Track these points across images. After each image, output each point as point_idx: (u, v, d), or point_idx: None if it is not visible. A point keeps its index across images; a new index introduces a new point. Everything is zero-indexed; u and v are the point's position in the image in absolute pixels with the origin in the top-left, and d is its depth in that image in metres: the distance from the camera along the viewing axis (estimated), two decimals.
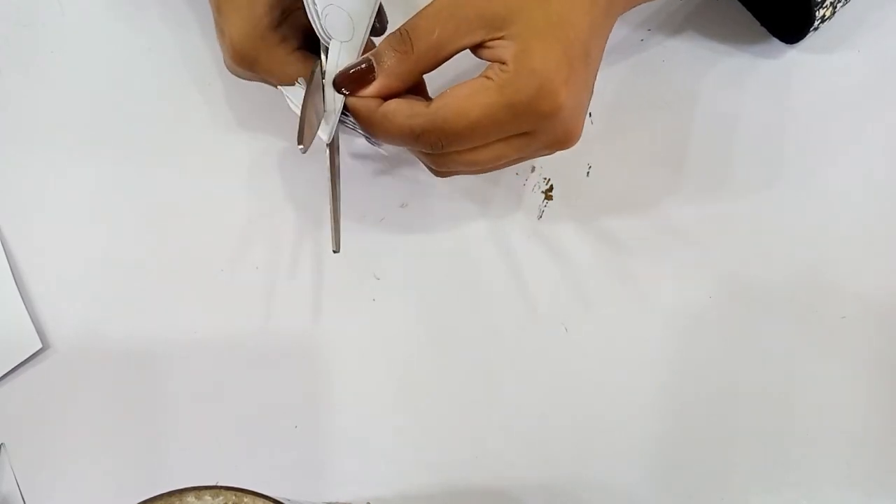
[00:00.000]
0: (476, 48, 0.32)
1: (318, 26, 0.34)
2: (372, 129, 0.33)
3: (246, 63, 0.36)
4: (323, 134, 0.34)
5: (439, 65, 0.33)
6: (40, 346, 0.42)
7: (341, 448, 0.40)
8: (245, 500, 0.29)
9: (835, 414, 0.40)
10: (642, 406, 0.40)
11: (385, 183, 0.44)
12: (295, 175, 0.44)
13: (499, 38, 0.31)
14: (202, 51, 0.46)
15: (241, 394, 0.41)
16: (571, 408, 0.40)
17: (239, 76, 0.39)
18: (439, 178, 0.41)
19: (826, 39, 0.44)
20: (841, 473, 0.39)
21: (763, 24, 0.44)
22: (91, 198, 0.44)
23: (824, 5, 0.39)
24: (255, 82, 0.39)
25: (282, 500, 0.29)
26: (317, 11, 0.34)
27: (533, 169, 0.43)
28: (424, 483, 0.40)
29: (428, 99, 0.35)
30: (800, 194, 0.42)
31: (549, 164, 0.43)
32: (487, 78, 0.31)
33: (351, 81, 0.33)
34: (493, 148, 0.33)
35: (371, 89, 0.33)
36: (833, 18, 0.41)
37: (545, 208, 0.43)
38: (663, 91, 0.44)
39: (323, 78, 0.35)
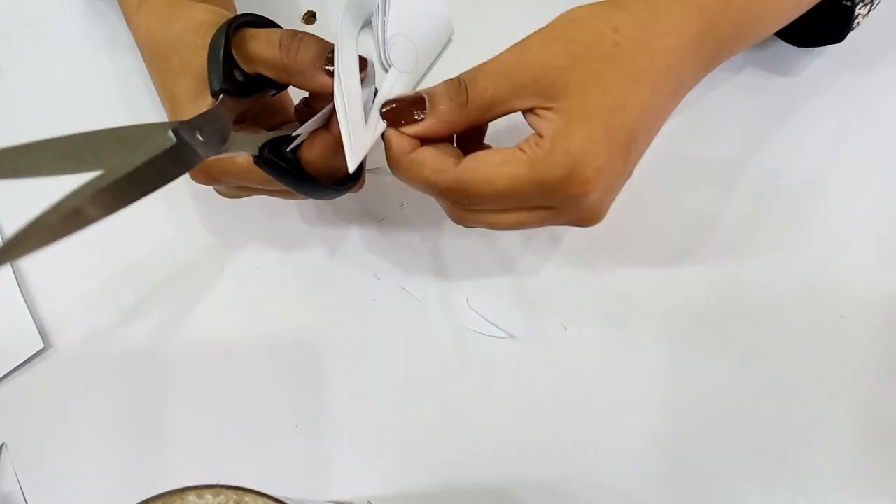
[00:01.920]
0: (525, 112, 0.31)
1: (382, 51, 0.32)
2: (398, 170, 0.32)
3: (212, 181, 0.35)
4: (352, 158, 0.31)
5: (489, 121, 0.32)
6: (42, 345, 0.42)
7: (341, 447, 0.40)
8: (246, 499, 0.29)
9: (833, 413, 0.40)
10: (641, 405, 0.40)
11: (385, 183, 0.44)
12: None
13: (547, 110, 0.30)
14: None
15: (242, 393, 0.41)
16: (571, 407, 0.40)
17: (229, 196, 0.38)
18: None
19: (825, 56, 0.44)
20: (840, 473, 0.39)
21: (784, 36, 0.44)
22: None
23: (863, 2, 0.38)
24: None
25: (282, 499, 0.30)
26: (384, 37, 0.32)
27: None
28: (424, 482, 0.40)
29: (481, 143, 0.35)
30: (799, 195, 0.42)
31: None
32: (520, 150, 0.30)
33: (400, 113, 0.32)
34: (514, 214, 0.32)
35: (417, 128, 0.32)
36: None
37: None
38: None
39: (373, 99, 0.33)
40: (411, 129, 0.32)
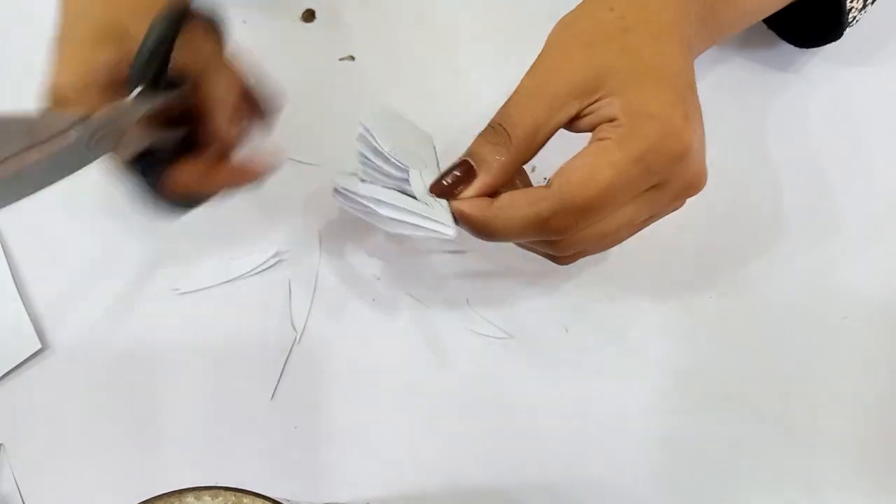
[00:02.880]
0: (573, 121, 0.30)
1: (393, 161, 0.33)
2: (490, 228, 0.31)
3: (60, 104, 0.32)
4: (448, 230, 0.31)
5: (540, 149, 0.31)
6: (39, 346, 0.42)
7: (341, 448, 0.40)
8: (245, 500, 0.29)
9: (836, 414, 0.40)
10: (643, 406, 0.40)
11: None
12: (295, 176, 0.44)
13: (596, 101, 0.29)
14: None
15: (242, 394, 0.41)
16: (571, 407, 0.40)
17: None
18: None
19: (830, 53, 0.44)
20: (842, 473, 0.39)
21: (780, 32, 0.43)
22: (91, 198, 0.44)
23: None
24: None
25: (281, 501, 0.29)
26: (385, 153, 0.33)
27: (534, 169, 0.43)
28: (424, 483, 0.40)
29: (529, 184, 0.34)
30: (801, 195, 0.42)
31: (548, 165, 0.43)
32: (601, 140, 0.29)
33: (452, 183, 0.31)
34: (623, 212, 0.30)
35: (475, 188, 0.31)
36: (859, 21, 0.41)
37: None
38: None
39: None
40: (470, 192, 0.31)
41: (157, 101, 0.31)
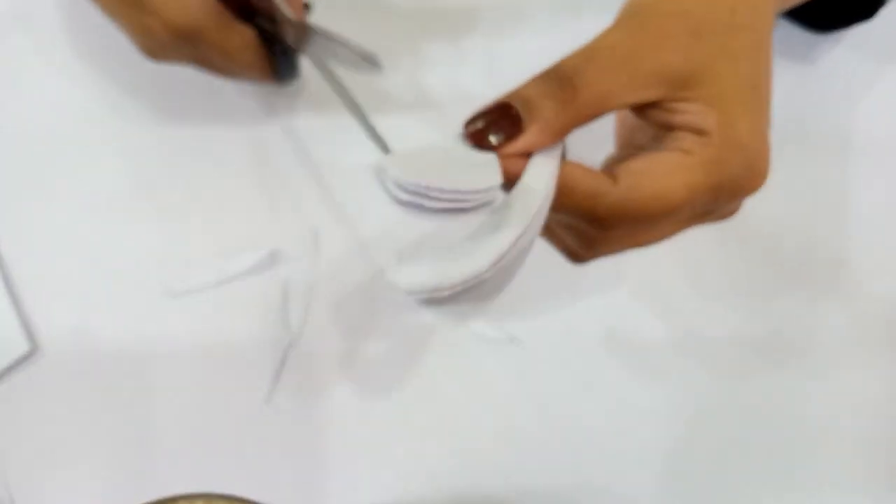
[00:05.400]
0: (648, 108, 0.27)
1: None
2: None
3: (187, 36, 0.31)
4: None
5: (597, 119, 0.26)
6: (28, 348, 0.41)
7: (337, 454, 0.40)
8: None
9: (840, 416, 0.40)
10: (645, 410, 0.40)
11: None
12: (290, 175, 0.44)
13: (684, 101, 0.26)
14: None
15: (235, 397, 0.41)
16: (573, 412, 0.40)
17: (166, 57, 0.33)
18: None
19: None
20: (847, 476, 0.39)
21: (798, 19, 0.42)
22: (82, 197, 0.44)
23: None
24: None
25: None
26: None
27: None
28: (424, 490, 0.40)
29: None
30: (799, 190, 0.42)
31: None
32: (685, 152, 0.26)
33: (487, 129, 0.25)
34: (661, 229, 0.28)
35: (519, 144, 0.25)
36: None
37: None
38: None
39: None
40: (513, 148, 0.25)
41: None
